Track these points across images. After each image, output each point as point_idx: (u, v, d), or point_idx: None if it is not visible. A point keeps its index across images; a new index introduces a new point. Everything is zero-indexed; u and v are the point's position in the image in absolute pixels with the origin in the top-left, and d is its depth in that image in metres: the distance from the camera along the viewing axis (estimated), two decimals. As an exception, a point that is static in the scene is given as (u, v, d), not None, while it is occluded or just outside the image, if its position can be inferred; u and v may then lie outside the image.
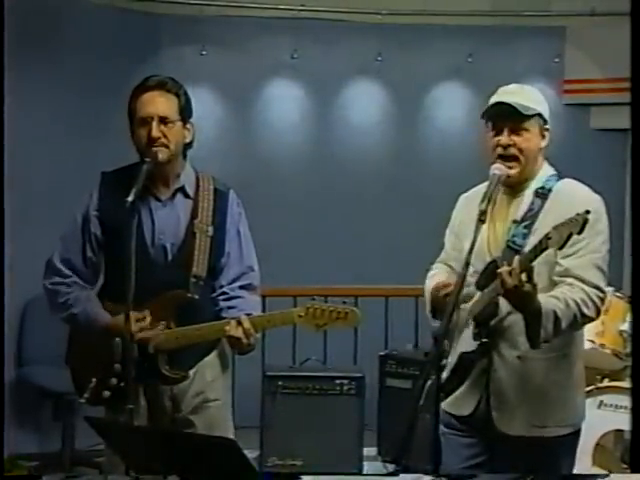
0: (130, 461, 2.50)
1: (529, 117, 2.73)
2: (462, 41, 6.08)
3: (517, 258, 2.51)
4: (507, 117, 2.72)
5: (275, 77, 6.18)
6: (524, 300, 2.53)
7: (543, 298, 2.57)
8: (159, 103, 2.88)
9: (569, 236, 2.39)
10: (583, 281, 2.64)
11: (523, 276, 2.48)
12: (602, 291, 2.68)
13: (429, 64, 6.15)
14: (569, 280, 2.64)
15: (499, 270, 2.52)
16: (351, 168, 6.18)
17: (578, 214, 2.40)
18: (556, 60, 6.13)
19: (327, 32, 6.07)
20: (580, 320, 2.63)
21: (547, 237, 2.44)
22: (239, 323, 2.85)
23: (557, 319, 2.56)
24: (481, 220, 2.56)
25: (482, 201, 2.61)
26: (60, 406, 5.04)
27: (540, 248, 2.46)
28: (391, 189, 6.15)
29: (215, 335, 2.92)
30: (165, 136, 2.87)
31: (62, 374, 3.13)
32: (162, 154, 2.87)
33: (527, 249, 2.58)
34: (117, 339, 2.88)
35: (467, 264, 2.55)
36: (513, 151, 2.72)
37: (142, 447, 2.35)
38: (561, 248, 2.44)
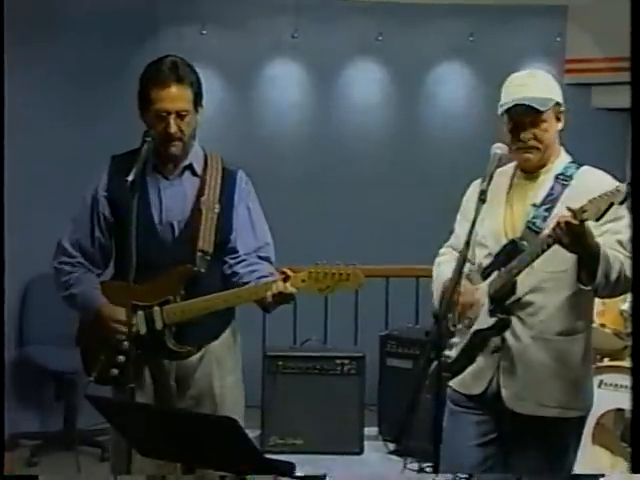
0: (132, 440, 2.51)
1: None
2: (463, 20, 6.06)
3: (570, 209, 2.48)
4: (527, 114, 2.72)
5: (275, 56, 6.16)
6: (585, 239, 2.51)
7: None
8: (176, 99, 2.87)
9: (609, 206, 2.41)
10: (616, 250, 2.63)
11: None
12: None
13: (430, 44, 6.12)
14: (604, 249, 2.62)
15: (560, 216, 2.50)
16: (352, 147, 6.17)
17: (619, 185, 2.42)
18: (557, 39, 6.11)
19: (328, 11, 6.04)
20: (623, 280, 2.61)
21: (582, 210, 2.44)
22: (283, 279, 2.82)
23: (609, 264, 2.56)
24: (481, 199, 2.57)
25: (483, 180, 2.62)
26: (62, 385, 5.07)
27: (578, 218, 2.45)
28: (392, 169, 6.14)
29: (254, 297, 2.87)
30: (181, 130, 2.89)
31: (64, 354, 3.14)
32: (176, 149, 2.92)
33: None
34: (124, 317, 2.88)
35: (467, 244, 2.56)
36: (533, 143, 2.75)
37: (143, 426, 2.36)
38: (598, 219, 2.44)
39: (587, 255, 2.57)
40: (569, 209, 2.48)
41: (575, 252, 2.57)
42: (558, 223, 2.50)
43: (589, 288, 2.63)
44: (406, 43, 6.08)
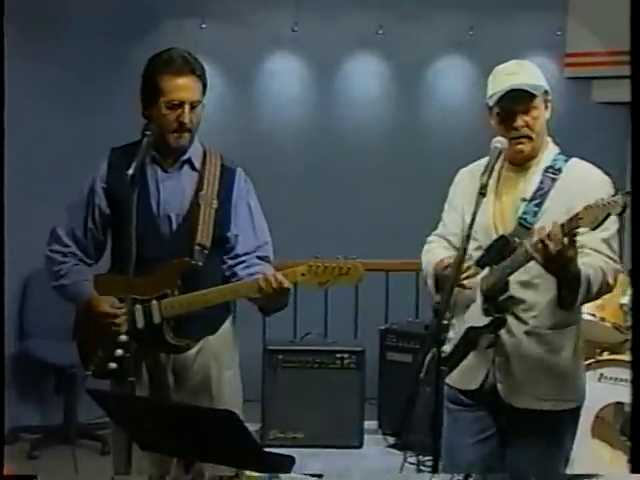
0: (132, 433, 2.51)
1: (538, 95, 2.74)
2: (464, 14, 6.04)
3: (555, 224, 2.46)
4: (519, 101, 2.71)
5: (275, 50, 6.15)
6: (565, 264, 2.50)
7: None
8: (190, 89, 2.88)
9: (606, 217, 2.38)
10: (599, 252, 2.65)
11: (565, 240, 2.44)
12: (617, 262, 2.68)
13: (430, 37, 6.11)
14: (586, 251, 2.63)
15: (538, 235, 2.47)
16: (352, 141, 6.16)
17: (616, 195, 2.39)
18: (558, 33, 6.10)
19: (328, 5, 6.02)
20: (604, 287, 2.63)
21: (578, 217, 2.42)
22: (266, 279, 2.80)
23: (590, 284, 2.57)
24: (482, 193, 2.55)
25: (483, 174, 2.60)
26: (62, 379, 5.08)
27: (570, 226, 2.43)
28: (392, 162, 6.14)
29: (252, 291, 2.86)
30: (191, 121, 2.89)
31: (64, 348, 3.14)
32: (184, 140, 2.91)
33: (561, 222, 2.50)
34: (123, 310, 2.88)
35: (468, 237, 2.55)
36: (526, 131, 2.74)
37: (143, 419, 2.37)
38: (595, 229, 2.42)
39: (569, 279, 2.55)
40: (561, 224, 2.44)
41: (557, 275, 2.56)
42: (542, 241, 2.45)
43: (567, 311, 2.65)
44: (406, 37, 6.07)
